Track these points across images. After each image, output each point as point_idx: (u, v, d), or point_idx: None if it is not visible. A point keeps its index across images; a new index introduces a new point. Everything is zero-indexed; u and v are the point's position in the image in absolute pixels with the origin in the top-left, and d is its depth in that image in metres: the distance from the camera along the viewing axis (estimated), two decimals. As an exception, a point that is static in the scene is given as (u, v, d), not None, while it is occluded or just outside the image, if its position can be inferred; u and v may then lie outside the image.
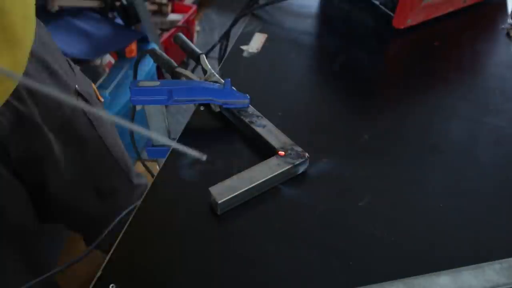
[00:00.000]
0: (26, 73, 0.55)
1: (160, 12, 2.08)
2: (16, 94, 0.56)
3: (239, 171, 0.49)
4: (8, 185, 0.62)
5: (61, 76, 0.66)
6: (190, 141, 0.57)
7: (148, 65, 1.62)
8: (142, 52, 0.65)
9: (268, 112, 0.58)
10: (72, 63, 0.74)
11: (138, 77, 1.34)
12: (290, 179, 0.52)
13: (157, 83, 0.55)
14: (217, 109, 0.59)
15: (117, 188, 0.87)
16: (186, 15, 2.10)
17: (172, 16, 2.10)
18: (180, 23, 2.05)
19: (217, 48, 0.97)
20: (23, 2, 0.49)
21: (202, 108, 0.61)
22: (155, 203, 0.49)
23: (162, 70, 0.65)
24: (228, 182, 0.48)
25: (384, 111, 0.64)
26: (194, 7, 2.19)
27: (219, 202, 0.46)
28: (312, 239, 0.46)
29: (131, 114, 0.64)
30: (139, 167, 1.75)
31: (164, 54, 0.63)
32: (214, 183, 0.48)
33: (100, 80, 1.49)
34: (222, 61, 0.73)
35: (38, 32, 0.58)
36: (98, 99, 0.80)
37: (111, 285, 0.41)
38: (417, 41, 0.77)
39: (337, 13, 0.79)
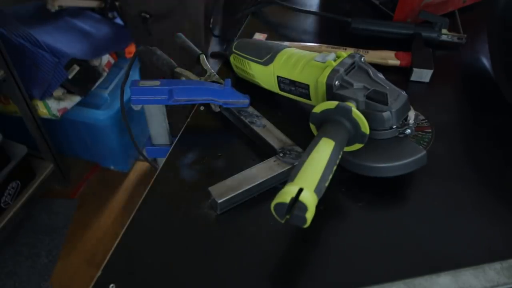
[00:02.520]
0: None
1: (160, 12, 2.08)
2: None
3: (239, 171, 0.49)
4: None
5: None
6: (190, 141, 0.57)
7: (148, 65, 1.62)
8: (138, 49, 0.64)
9: (268, 112, 0.58)
10: None
11: (138, 77, 1.34)
12: (290, 179, 0.52)
13: (157, 83, 0.55)
14: (217, 109, 0.59)
15: None
16: (186, 15, 2.10)
17: (172, 16, 2.10)
18: (180, 23, 2.05)
19: (216, 48, 0.97)
20: None
21: (202, 108, 0.61)
22: (155, 203, 0.49)
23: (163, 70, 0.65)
24: (228, 182, 0.48)
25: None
26: (194, 7, 2.18)
27: (219, 201, 0.46)
28: (312, 239, 0.46)
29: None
30: (140, 166, 1.75)
31: (164, 54, 0.63)
32: (214, 183, 0.48)
33: (100, 80, 1.49)
34: (222, 61, 0.73)
35: None
36: None
37: (111, 285, 0.41)
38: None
39: (337, 13, 0.79)
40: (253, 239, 0.46)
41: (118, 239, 0.45)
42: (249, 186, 0.48)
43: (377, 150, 0.49)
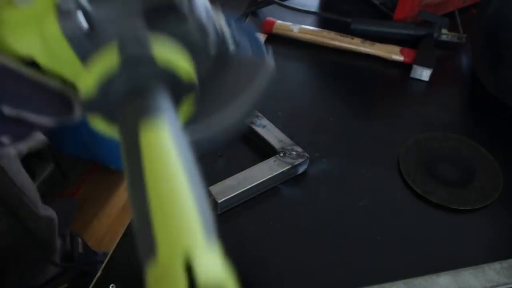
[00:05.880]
0: None
1: (160, 12, 2.08)
2: None
3: (239, 171, 0.49)
4: None
5: None
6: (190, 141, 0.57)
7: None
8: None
9: (268, 112, 0.58)
10: None
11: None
12: (290, 179, 0.52)
13: (157, 83, 0.55)
14: (217, 109, 0.59)
15: (23, 218, 0.80)
16: (186, 15, 2.10)
17: (172, 16, 2.10)
18: (180, 23, 2.05)
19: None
20: None
21: (202, 108, 0.61)
22: (155, 203, 0.49)
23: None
24: (228, 181, 0.48)
25: (384, 111, 0.64)
26: (194, 7, 2.18)
27: (219, 201, 0.46)
28: (312, 239, 0.46)
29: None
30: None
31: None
32: (214, 183, 0.48)
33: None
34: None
35: None
36: None
37: (111, 285, 0.41)
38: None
39: (337, 13, 0.79)
40: (252, 238, 0.46)
41: (118, 239, 0.45)
42: (249, 186, 0.48)
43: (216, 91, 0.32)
